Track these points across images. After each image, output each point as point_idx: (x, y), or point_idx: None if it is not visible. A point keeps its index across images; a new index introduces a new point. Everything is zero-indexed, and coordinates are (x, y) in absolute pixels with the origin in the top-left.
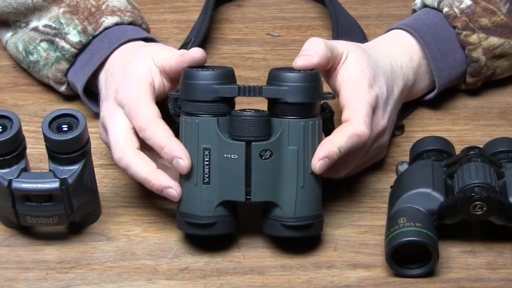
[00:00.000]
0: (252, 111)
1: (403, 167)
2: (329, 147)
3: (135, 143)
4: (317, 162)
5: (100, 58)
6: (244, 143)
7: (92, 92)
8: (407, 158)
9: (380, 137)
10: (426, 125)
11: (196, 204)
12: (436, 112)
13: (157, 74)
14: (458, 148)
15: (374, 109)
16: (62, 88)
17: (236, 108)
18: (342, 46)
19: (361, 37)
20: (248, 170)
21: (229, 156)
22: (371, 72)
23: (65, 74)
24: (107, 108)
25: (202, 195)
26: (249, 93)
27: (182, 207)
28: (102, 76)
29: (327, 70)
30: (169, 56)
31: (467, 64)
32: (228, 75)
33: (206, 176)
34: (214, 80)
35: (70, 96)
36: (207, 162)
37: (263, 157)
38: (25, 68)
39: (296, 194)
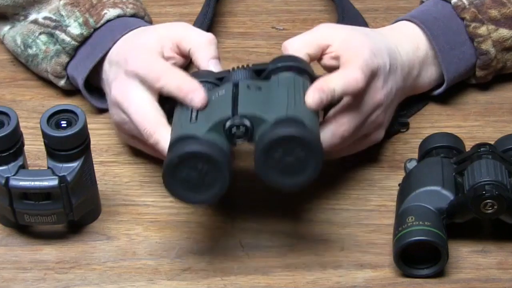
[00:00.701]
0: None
1: (411, 164)
2: (323, 83)
3: (164, 117)
4: (311, 93)
5: (102, 50)
6: (231, 82)
7: (92, 86)
8: (415, 155)
9: (376, 110)
10: (436, 121)
11: (189, 130)
12: (445, 108)
13: (167, 47)
14: (468, 145)
15: (374, 74)
16: (62, 83)
17: None
18: (333, 31)
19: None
20: (235, 99)
21: (216, 94)
22: (373, 44)
23: (65, 68)
24: (120, 84)
25: (195, 126)
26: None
27: (174, 142)
28: (106, 66)
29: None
30: (192, 34)
31: (476, 57)
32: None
33: (194, 114)
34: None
35: (70, 91)
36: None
37: (251, 89)
38: (23, 62)
39: (286, 111)
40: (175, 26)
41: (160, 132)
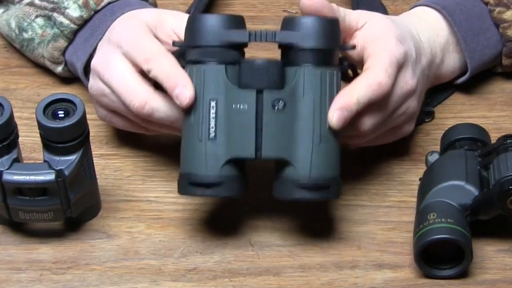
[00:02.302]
0: (264, 59)
1: (433, 158)
2: (347, 97)
3: (151, 85)
4: (334, 113)
5: (102, 32)
6: (254, 91)
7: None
8: (437, 148)
9: (408, 99)
10: (459, 111)
11: (200, 162)
12: (469, 97)
13: (164, 29)
14: (494, 137)
15: (401, 65)
16: (59, 69)
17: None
18: (358, 13)
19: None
20: (259, 122)
21: (238, 106)
22: (398, 30)
23: (63, 53)
24: (102, 53)
25: (207, 151)
26: (260, 38)
27: (184, 167)
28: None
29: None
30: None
31: (502, 44)
32: (237, 21)
33: (212, 130)
34: (222, 24)
35: (67, 79)
36: (214, 115)
37: (276, 108)
38: (18, 48)
39: (311, 151)
40: (182, 16)
41: (153, 100)
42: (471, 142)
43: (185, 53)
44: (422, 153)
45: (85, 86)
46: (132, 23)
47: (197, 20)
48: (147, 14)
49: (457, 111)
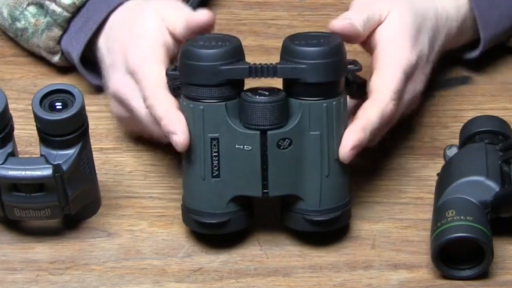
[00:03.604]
0: (266, 92)
1: (452, 152)
2: (359, 135)
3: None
4: (346, 153)
5: (96, 21)
6: (258, 132)
7: (89, 62)
8: (456, 141)
9: (414, 101)
10: (479, 103)
11: (204, 200)
12: (490, 88)
13: (166, 34)
14: None
15: (412, 74)
16: (56, 59)
17: (246, 87)
18: (384, 4)
19: None
20: (264, 162)
21: (241, 147)
22: (414, 30)
23: (58, 42)
24: (120, 80)
25: (212, 190)
26: (261, 74)
27: (188, 201)
28: (102, 43)
29: None
30: (176, 19)
31: None
32: (235, 52)
33: (216, 168)
34: (219, 60)
35: (65, 68)
36: (216, 153)
37: (281, 147)
38: (12, 37)
39: (320, 184)
40: (173, 6)
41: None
42: (491, 135)
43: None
44: (440, 147)
45: (82, 77)
46: (141, 43)
47: (192, 56)
48: (149, 27)
49: (477, 103)
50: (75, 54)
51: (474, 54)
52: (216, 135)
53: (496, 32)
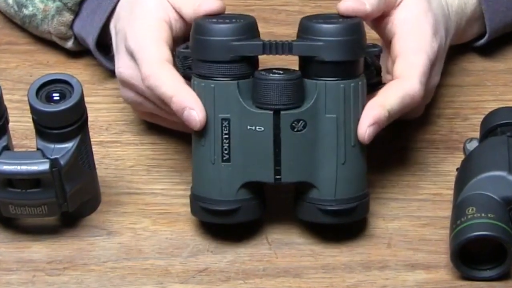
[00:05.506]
0: (280, 71)
1: (472, 145)
2: (379, 110)
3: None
4: (366, 129)
5: (111, 2)
6: (271, 112)
7: (104, 46)
8: (477, 134)
9: (430, 94)
10: (501, 94)
11: (214, 186)
12: None
13: (170, 11)
14: None
15: (434, 63)
16: (69, 44)
17: (260, 68)
18: None
19: None
20: (277, 145)
21: (253, 128)
22: (434, 16)
23: (70, 27)
24: (125, 63)
25: (221, 175)
26: (276, 51)
27: (196, 188)
28: (112, 25)
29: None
30: (184, 4)
31: None
32: (249, 28)
33: (226, 152)
34: (232, 35)
35: (63, 57)
36: (227, 135)
37: (295, 129)
38: (20, 25)
39: (336, 172)
40: None
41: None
42: None
43: (190, 59)
44: (460, 140)
45: (99, 63)
46: (141, 22)
47: (204, 31)
48: (153, 5)
49: (498, 93)
50: (91, 39)
51: (481, 42)
52: (228, 115)
53: (505, 21)
